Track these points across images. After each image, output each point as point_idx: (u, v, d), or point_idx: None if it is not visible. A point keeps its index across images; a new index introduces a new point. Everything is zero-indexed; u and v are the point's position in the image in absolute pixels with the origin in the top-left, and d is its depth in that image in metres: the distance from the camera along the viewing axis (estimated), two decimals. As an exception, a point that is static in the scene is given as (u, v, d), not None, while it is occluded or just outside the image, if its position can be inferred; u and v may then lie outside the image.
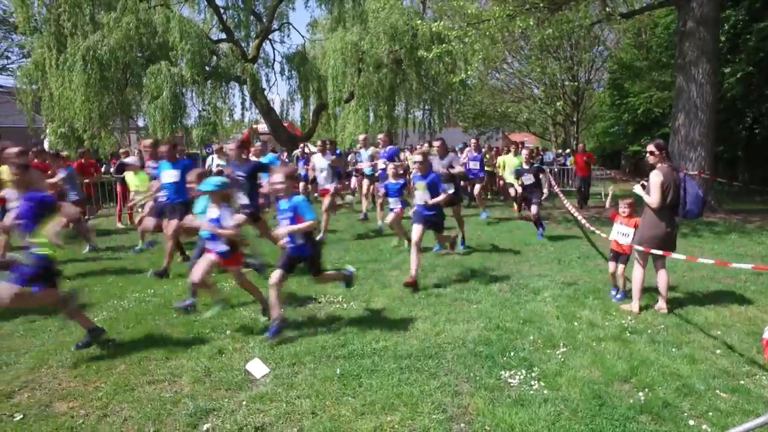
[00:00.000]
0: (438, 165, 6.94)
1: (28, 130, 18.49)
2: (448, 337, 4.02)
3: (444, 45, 10.08)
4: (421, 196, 5.56)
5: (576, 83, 23.25)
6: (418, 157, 5.67)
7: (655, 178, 4.53)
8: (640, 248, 4.52)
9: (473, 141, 11.51)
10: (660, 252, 4.42)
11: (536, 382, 3.26)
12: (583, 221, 7.82)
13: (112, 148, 16.78)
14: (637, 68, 20.42)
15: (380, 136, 9.50)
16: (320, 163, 8.13)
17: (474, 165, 10.87)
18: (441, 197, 5.57)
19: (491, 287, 5.43)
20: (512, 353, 3.69)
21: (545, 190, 8.50)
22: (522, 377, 3.32)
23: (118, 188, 10.57)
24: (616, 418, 2.87)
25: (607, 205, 5.55)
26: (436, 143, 7.55)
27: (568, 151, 18.73)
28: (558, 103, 18.26)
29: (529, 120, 26.60)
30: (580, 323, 4.35)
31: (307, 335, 4.08)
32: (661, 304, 4.70)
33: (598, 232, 6.69)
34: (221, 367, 3.56)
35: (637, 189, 4.73)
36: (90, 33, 14.94)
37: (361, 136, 10.06)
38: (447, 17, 15.80)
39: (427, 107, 19.02)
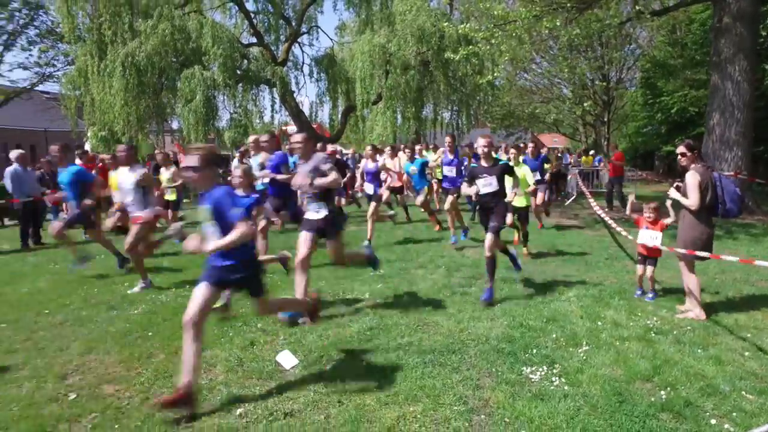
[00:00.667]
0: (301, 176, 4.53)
1: (71, 133, 19.36)
2: (471, 334, 4.11)
3: (471, 47, 10.12)
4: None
5: (606, 83, 22.83)
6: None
7: (692, 179, 4.45)
8: (683, 251, 4.43)
9: (447, 139, 8.47)
10: (707, 254, 4.33)
11: (557, 378, 3.32)
12: (611, 222, 7.77)
13: (148, 150, 17.43)
14: (671, 66, 19.95)
15: (262, 137, 6.59)
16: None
17: (449, 171, 8.39)
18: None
19: (515, 287, 5.48)
20: (534, 350, 3.75)
21: (572, 191, 8.46)
22: (543, 373, 3.38)
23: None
24: (636, 414, 2.91)
25: (628, 212, 5.52)
26: (263, 138, 6.21)
27: (592, 152, 18.43)
28: (585, 104, 17.95)
29: (557, 120, 26.26)
30: (604, 323, 4.37)
31: (335, 330, 4.23)
32: (689, 306, 4.66)
33: (625, 233, 6.66)
34: (253, 357, 3.74)
35: (673, 193, 4.65)
36: (129, 40, 15.55)
37: (252, 137, 7.07)
38: (474, 18, 15.82)
39: (455, 108, 19.03)
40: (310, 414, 2.92)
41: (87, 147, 17.43)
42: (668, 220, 4.97)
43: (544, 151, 11.86)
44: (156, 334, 4.29)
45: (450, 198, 7.90)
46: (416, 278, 5.88)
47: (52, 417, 2.96)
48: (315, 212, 4.48)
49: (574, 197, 14.51)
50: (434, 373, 3.37)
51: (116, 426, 2.86)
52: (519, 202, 6.98)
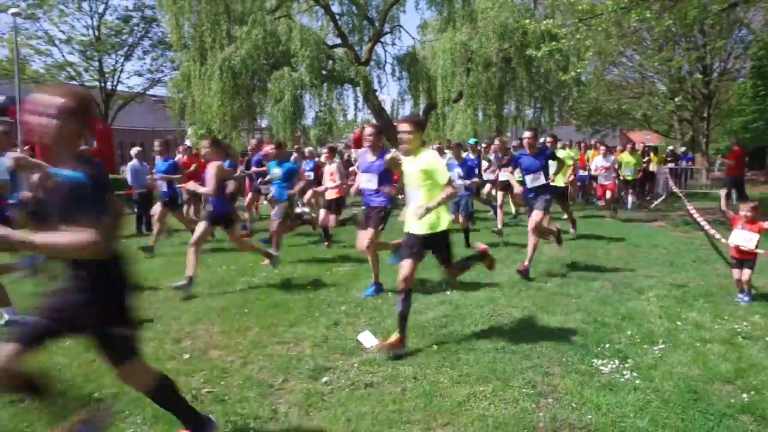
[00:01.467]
0: None
1: (175, 132, 21.33)
2: (544, 326, 4.21)
3: (554, 43, 9.94)
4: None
5: (704, 76, 21.07)
6: None
7: None
8: None
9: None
10: None
11: (628, 372, 3.35)
12: (705, 224, 7.38)
13: (241, 147, 18.75)
14: (789, 54, 18.05)
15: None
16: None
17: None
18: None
19: (593, 284, 5.45)
20: (607, 345, 3.79)
21: (662, 192, 8.17)
22: (614, 366, 3.43)
23: (246, 182, 11.91)
24: (712, 413, 2.90)
25: (723, 207, 5.28)
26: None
27: (683, 149, 17.19)
28: (676, 99, 16.69)
29: (647, 117, 24.66)
30: (685, 323, 4.27)
31: (412, 316, 4.49)
32: None
33: (719, 236, 6.34)
34: (336, 335, 4.11)
35: None
36: (226, 46, 16.80)
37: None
38: (559, 11, 15.36)
39: (537, 105, 18.60)
40: (388, 386, 3.21)
41: (188, 143, 19.12)
42: None
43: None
44: (251, 311, 4.79)
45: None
46: (492, 272, 6.00)
47: (173, 371, 3.48)
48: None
49: (663, 198, 13.72)
50: (505, 359, 3.54)
51: (222, 383, 3.32)
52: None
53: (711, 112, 23.17)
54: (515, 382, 3.20)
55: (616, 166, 11.36)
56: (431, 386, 3.17)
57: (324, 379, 3.34)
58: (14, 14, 15.22)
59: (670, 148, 17.58)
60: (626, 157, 11.86)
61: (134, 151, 9.49)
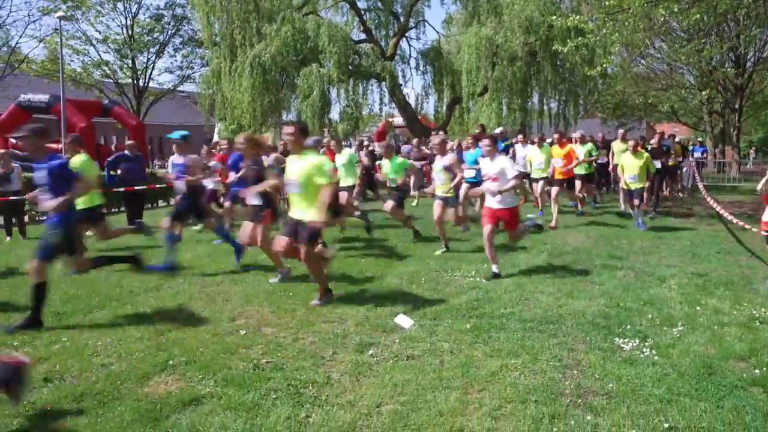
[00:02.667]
0: None
1: (204, 128, 22.03)
2: (569, 309, 4.52)
3: (580, 38, 10.09)
4: None
5: (737, 66, 20.66)
6: None
7: None
8: None
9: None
10: None
11: (648, 350, 3.65)
12: (729, 216, 7.54)
13: (272, 141, 19.32)
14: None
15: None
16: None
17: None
18: None
19: (616, 272, 5.72)
20: (628, 326, 4.09)
21: (687, 184, 8.34)
22: (635, 345, 3.73)
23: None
24: (724, 384, 3.17)
25: (760, 186, 5.42)
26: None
27: (699, 140, 16.97)
28: (704, 93, 16.45)
29: (675, 109, 24.32)
30: (704, 309, 4.53)
31: (445, 300, 4.87)
32: None
33: (748, 227, 6.52)
34: (376, 316, 4.49)
35: None
36: (256, 43, 17.30)
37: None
38: (586, 4, 15.36)
39: (562, 98, 18.63)
40: (427, 359, 3.59)
41: (216, 138, 19.76)
42: None
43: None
44: (295, 294, 5.21)
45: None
46: (519, 261, 6.32)
47: (233, 344, 3.92)
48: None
49: (688, 189, 13.72)
50: (533, 337, 3.88)
51: (279, 354, 3.74)
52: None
53: (743, 103, 22.76)
54: (543, 356, 3.54)
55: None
56: (467, 359, 3.53)
57: (369, 352, 3.73)
58: (60, 18, 15.99)
59: (676, 140, 17.26)
60: (628, 159, 8.68)
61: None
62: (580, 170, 9.72)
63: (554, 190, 9.04)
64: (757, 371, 3.36)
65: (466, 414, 2.85)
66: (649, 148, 10.44)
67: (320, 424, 2.78)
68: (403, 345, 3.84)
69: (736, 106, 22.46)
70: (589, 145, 10.06)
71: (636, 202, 8.49)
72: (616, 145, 11.21)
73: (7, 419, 2.87)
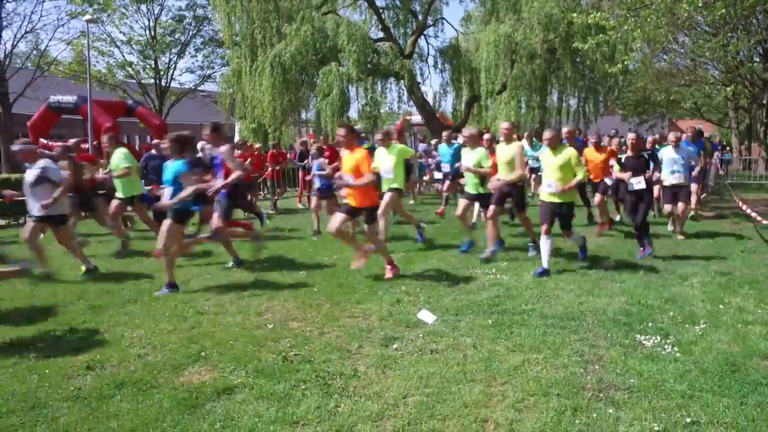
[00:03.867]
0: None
1: (224, 127, 22.39)
2: (590, 306, 4.56)
3: (600, 36, 10.03)
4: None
5: (765, 60, 20.19)
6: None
7: None
8: None
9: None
10: None
11: (670, 347, 3.69)
12: (755, 215, 7.47)
13: (289, 140, 19.56)
14: None
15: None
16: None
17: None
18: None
19: (637, 270, 5.73)
20: (650, 324, 4.12)
21: (712, 182, 8.21)
22: (656, 341, 3.77)
23: (300, 174, 12.56)
24: (748, 382, 3.20)
25: None
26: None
27: (718, 137, 16.64)
28: (728, 89, 16.15)
29: (698, 105, 23.89)
30: (728, 307, 4.53)
31: (467, 296, 4.95)
32: None
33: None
34: (399, 311, 4.59)
35: None
36: (276, 42, 17.52)
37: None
38: (607, 0, 15.21)
39: (582, 95, 18.47)
40: (451, 353, 3.68)
41: (236, 138, 20.05)
42: None
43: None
44: (320, 290, 5.33)
45: None
46: (538, 261, 6.34)
47: (261, 337, 4.07)
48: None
49: (712, 187, 13.51)
50: (555, 333, 3.94)
51: (306, 347, 3.87)
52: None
53: (770, 98, 22.26)
54: (564, 351, 3.60)
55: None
56: (489, 353, 3.62)
57: (394, 346, 3.83)
58: (88, 21, 16.40)
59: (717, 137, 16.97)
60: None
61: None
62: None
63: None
64: (781, 369, 3.38)
65: (489, 406, 2.94)
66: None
67: (349, 414, 2.89)
68: (426, 339, 3.93)
69: (764, 102, 21.97)
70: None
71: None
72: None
73: (57, 402, 3.05)
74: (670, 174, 7.44)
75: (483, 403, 2.95)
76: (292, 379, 3.32)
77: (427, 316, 4.44)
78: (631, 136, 6.65)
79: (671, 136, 7.62)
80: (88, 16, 16.71)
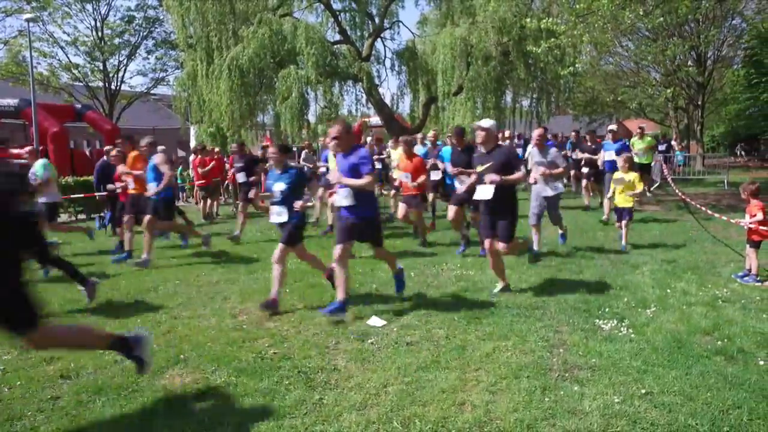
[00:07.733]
0: None
1: (180, 131, 21.86)
2: (551, 296, 4.85)
3: (552, 40, 10.52)
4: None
5: (698, 64, 21.60)
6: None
7: None
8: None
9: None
10: None
11: (625, 329, 4.00)
12: (698, 205, 8.05)
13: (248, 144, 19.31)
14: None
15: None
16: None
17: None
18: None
19: (593, 262, 6.11)
20: (607, 309, 4.44)
21: (656, 179, 8.77)
22: (613, 325, 4.08)
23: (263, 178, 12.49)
24: (692, 355, 3.53)
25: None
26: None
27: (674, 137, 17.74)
28: (668, 90, 17.25)
29: (642, 106, 25.26)
30: (674, 291, 4.93)
31: (435, 291, 5.15)
32: None
33: (718, 216, 7.01)
34: (372, 310, 4.73)
35: None
36: (232, 45, 17.31)
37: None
38: (556, 4, 15.90)
39: (535, 96, 19.18)
40: (425, 344, 3.85)
41: (192, 143, 19.67)
42: None
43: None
44: (292, 291, 5.41)
45: None
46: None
47: (238, 338, 4.12)
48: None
49: (657, 184, 14.36)
50: (521, 321, 4.19)
51: (284, 345, 3.96)
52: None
53: (705, 100, 23.79)
54: (531, 338, 3.85)
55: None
56: (462, 342, 3.82)
57: (370, 341, 3.97)
58: (28, 20, 15.65)
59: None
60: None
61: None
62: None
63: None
64: (719, 343, 3.74)
65: (465, 390, 3.13)
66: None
67: (333, 404, 3.01)
68: (401, 333, 4.10)
69: (699, 103, 23.47)
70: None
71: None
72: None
73: (34, 413, 3.02)
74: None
75: (459, 388, 3.14)
76: (275, 375, 3.40)
77: (376, 321, 4.44)
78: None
79: (534, 134, 6.98)
80: (27, 15, 15.91)
